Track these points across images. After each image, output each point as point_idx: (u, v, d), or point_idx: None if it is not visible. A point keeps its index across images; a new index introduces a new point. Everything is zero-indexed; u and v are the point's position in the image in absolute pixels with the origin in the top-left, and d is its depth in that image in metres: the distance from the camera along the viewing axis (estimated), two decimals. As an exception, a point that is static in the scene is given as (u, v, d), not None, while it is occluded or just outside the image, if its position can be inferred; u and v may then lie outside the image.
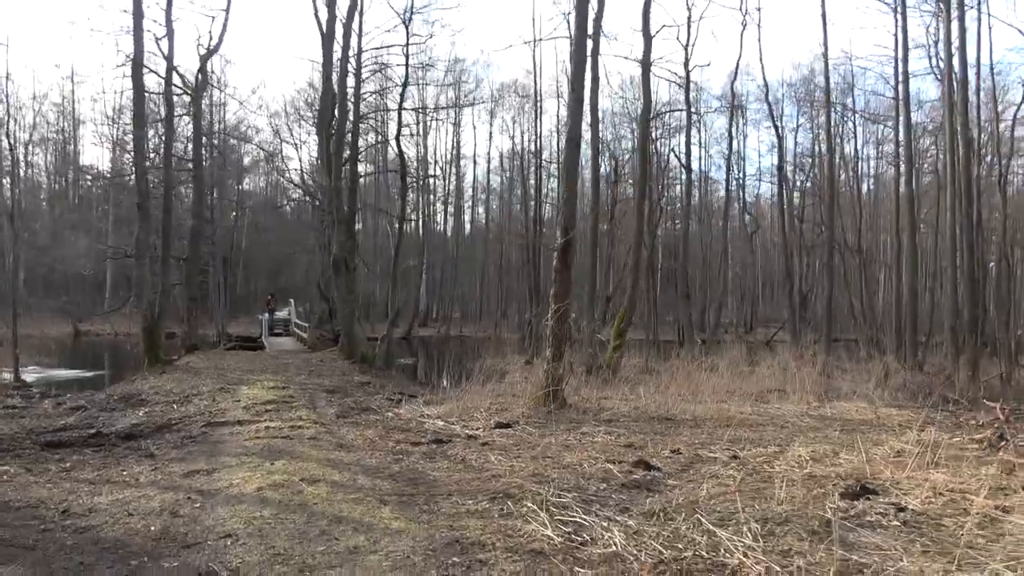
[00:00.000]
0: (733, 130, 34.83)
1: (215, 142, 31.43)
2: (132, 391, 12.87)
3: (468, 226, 53.66)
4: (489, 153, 54.77)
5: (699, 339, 23.09)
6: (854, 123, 26.60)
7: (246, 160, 47.66)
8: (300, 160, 45.86)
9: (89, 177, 47.80)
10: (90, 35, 71.63)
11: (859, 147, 30.10)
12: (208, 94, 31.46)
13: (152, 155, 20.28)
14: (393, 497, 5.28)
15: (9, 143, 28.56)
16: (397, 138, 20.17)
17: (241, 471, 6.08)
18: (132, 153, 16.59)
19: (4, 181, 47.22)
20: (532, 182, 31.26)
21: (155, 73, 19.11)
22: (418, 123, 19.90)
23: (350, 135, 18.73)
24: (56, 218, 42.75)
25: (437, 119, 40.03)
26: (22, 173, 50.46)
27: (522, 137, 44.33)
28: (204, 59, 20.75)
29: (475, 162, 52.12)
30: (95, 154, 71.52)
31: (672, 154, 25.64)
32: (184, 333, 20.69)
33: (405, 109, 19.46)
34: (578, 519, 4.49)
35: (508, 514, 4.71)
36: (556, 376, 10.80)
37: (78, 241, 31.25)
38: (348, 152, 18.52)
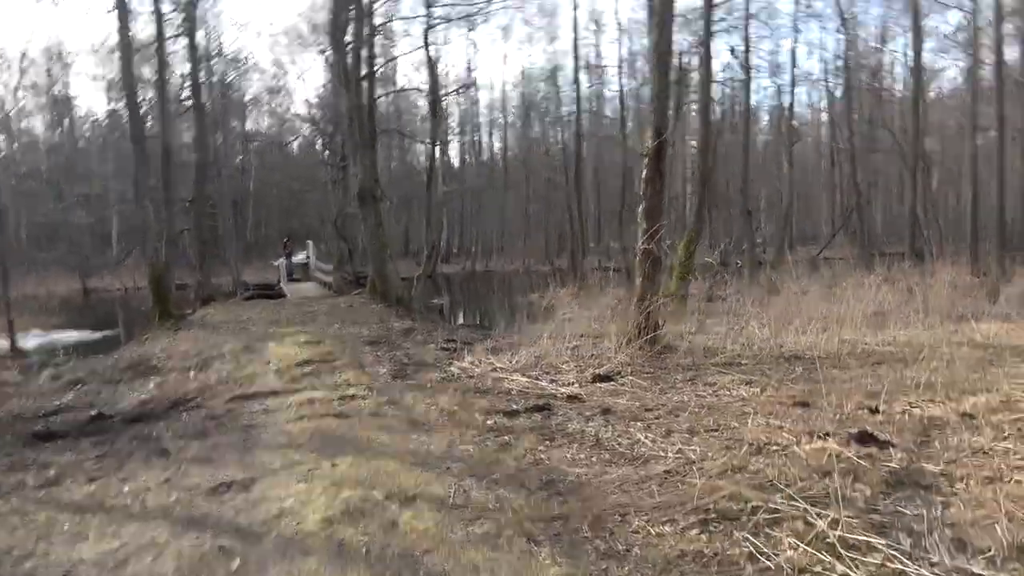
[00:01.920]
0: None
1: (213, 75, 28.86)
2: (141, 355, 11.02)
3: (487, 154, 50.82)
4: (504, 76, 51.81)
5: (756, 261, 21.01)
6: (913, 14, 23.37)
7: (248, 97, 44.90)
8: (306, 92, 43.12)
9: (86, 125, 45.45)
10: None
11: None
12: (203, 17, 28.83)
13: (145, 86, 18.04)
14: (539, 525, 3.35)
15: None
16: (425, 40, 17.53)
17: (291, 481, 4.17)
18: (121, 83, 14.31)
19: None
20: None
21: (138, -16, 16.67)
22: (427, 44, 17.33)
23: (366, 49, 16.25)
24: (52, 168, 40.50)
25: (449, 24, 36.63)
26: (15, 126, 48.17)
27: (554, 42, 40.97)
28: (193, -30, 18.23)
29: (491, 87, 49.01)
30: (94, 101, 68.28)
31: (731, 53, 22.95)
32: (197, 283, 18.77)
33: (435, 5, 16.82)
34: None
35: (773, 568, 2.74)
36: (651, 313, 8.81)
37: (74, 189, 29.08)
38: (364, 68, 16.15)
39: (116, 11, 13.89)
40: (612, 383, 7.23)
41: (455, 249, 46.10)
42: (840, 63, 34.45)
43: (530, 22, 47.18)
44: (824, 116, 46.46)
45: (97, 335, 18.50)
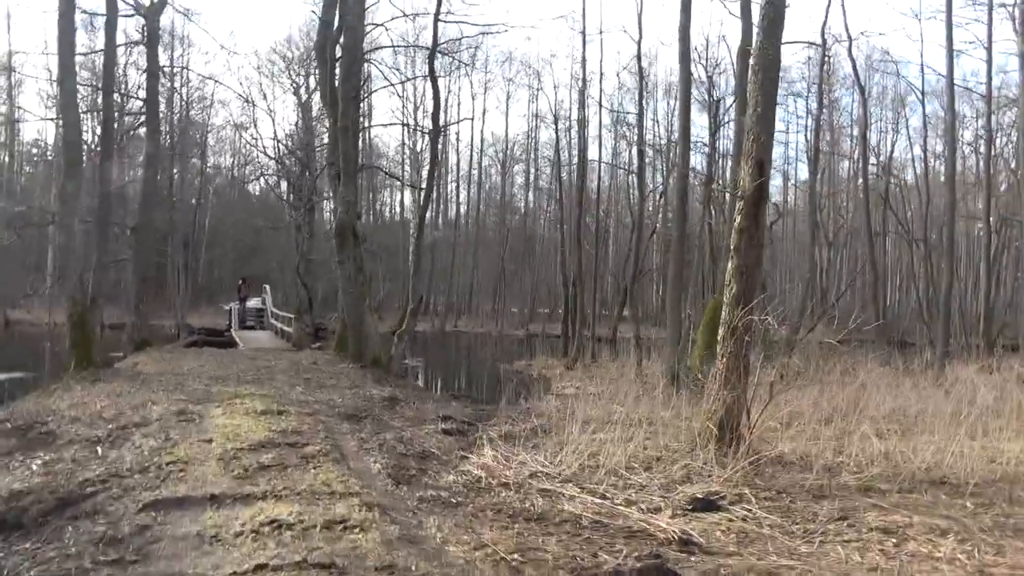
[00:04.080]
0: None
1: (175, 94, 26.39)
2: (38, 413, 8.31)
3: (458, 208, 48.72)
4: (482, 130, 50.58)
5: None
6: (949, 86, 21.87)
7: (210, 130, 42.42)
8: (275, 130, 40.78)
9: (35, 150, 42.24)
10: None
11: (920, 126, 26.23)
12: (169, 41, 26.75)
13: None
14: None
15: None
16: (431, 59, 15.07)
17: None
18: (57, 75, 11.74)
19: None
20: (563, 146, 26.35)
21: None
22: (432, 71, 14.96)
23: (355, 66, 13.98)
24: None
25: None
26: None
27: (536, 101, 39.88)
28: (162, -29, 16.15)
29: (471, 137, 47.06)
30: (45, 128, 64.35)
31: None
32: (132, 324, 15.92)
33: (443, 20, 14.62)
34: None
35: None
36: (739, 409, 6.61)
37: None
38: (351, 91, 13.89)
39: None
40: (723, 513, 4.94)
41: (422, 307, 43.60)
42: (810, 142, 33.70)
43: (515, 79, 46.10)
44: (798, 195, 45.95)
45: (1, 376, 15.44)
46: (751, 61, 6.75)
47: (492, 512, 4.76)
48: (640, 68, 18.92)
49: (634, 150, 38.73)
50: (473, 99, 46.77)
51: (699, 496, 5.19)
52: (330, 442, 6.59)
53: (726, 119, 16.39)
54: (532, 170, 47.15)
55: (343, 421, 7.96)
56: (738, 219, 6.75)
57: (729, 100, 18.29)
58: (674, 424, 7.94)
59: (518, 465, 6.15)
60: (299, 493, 4.82)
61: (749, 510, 4.98)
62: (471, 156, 46.77)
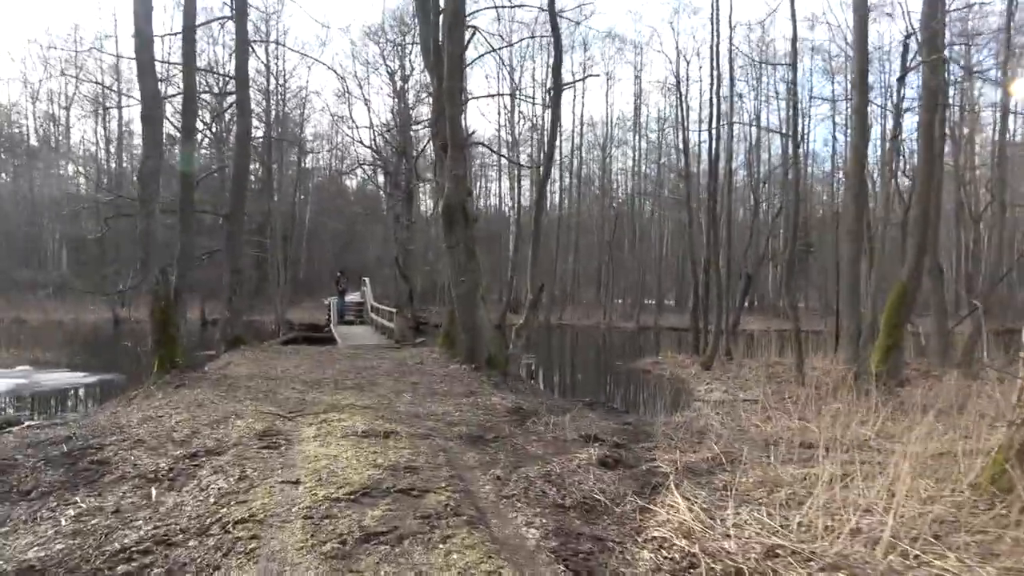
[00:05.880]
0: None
1: (271, 74, 25.48)
2: (102, 431, 6.88)
3: (563, 195, 46.36)
4: (581, 113, 48.11)
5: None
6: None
7: (307, 132, 42.03)
8: (371, 119, 40.10)
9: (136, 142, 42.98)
10: None
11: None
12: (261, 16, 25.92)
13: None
14: None
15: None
16: (552, 4, 12.71)
17: None
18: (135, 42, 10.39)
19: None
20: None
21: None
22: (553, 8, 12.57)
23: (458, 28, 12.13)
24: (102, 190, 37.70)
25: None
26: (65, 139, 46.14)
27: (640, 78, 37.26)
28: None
29: (572, 120, 44.70)
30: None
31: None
32: (225, 320, 14.76)
33: None
34: None
35: None
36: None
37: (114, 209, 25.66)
38: (455, 46, 11.95)
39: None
40: None
41: (522, 298, 41.86)
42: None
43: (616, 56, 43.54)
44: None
45: (91, 379, 14.59)
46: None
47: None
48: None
49: (772, 109, 34.98)
50: (573, 76, 44.23)
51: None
52: (457, 486, 4.75)
53: (913, 61, 13.53)
54: (634, 153, 44.58)
55: (467, 447, 6.11)
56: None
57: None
58: (911, 455, 5.69)
59: (735, 529, 4.12)
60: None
61: None
62: (572, 138, 44.54)
